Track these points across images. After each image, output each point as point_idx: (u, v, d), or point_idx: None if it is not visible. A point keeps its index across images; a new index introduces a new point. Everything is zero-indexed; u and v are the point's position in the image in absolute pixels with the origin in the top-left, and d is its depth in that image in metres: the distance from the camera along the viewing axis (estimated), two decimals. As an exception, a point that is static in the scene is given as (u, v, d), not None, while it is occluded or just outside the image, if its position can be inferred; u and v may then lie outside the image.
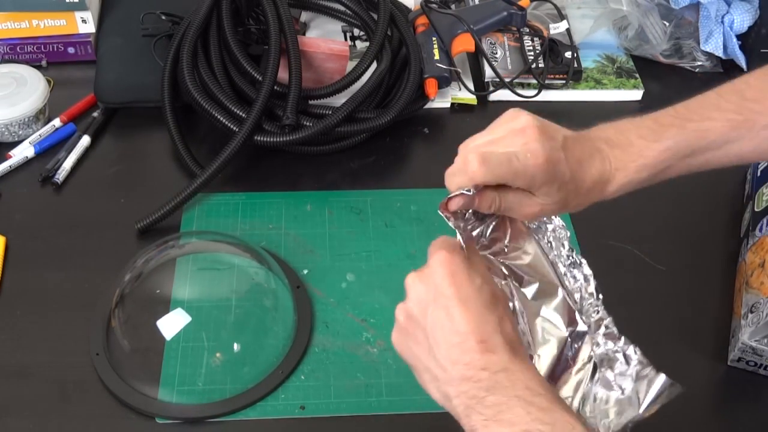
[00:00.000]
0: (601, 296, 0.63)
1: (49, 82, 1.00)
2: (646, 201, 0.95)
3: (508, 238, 0.64)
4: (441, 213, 0.58)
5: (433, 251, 0.56)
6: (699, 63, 1.13)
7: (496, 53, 1.08)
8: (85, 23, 1.05)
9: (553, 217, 0.65)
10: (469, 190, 0.57)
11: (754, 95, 0.65)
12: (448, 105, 1.06)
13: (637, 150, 0.62)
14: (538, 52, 1.08)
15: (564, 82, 1.07)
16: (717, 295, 0.85)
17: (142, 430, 0.72)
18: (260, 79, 0.90)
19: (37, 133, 0.96)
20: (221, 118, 0.91)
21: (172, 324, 0.76)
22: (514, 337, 0.54)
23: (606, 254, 0.88)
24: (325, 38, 1.06)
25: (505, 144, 0.59)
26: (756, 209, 0.88)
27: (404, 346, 0.57)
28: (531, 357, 0.62)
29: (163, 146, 0.97)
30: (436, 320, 0.54)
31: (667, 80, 1.12)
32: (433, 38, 1.05)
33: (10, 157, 0.94)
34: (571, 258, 0.64)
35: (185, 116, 0.97)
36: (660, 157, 0.63)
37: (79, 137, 0.97)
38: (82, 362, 0.76)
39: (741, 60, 1.11)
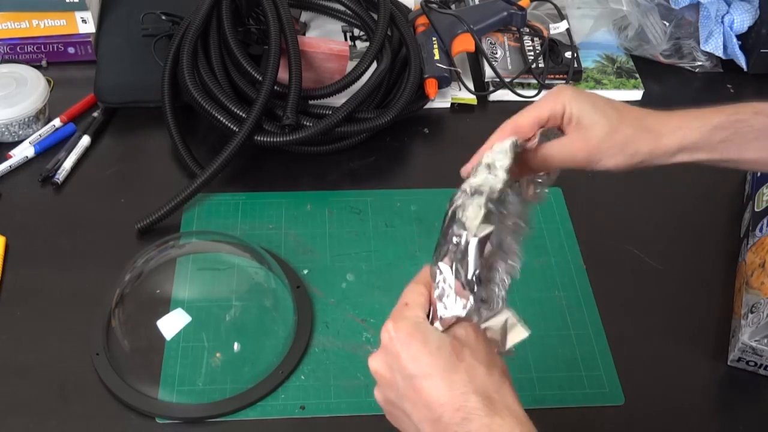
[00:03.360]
0: None
1: (49, 82, 1.00)
2: (646, 201, 0.95)
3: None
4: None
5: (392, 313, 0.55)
6: (699, 63, 1.13)
7: (496, 53, 1.08)
8: (85, 23, 1.05)
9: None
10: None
11: None
12: (448, 105, 1.06)
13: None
14: (538, 52, 1.08)
15: (564, 82, 1.07)
16: (717, 295, 0.85)
17: (142, 430, 0.72)
18: (260, 79, 0.90)
19: (37, 133, 0.96)
20: (221, 118, 0.91)
21: (172, 324, 0.76)
22: (488, 384, 0.52)
23: (606, 254, 0.88)
24: (325, 38, 1.06)
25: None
26: (756, 209, 0.88)
27: (397, 424, 0.56)
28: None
29: (163, 146, 0.97)
30: (408, 402, 0.52)
31: (667, 80, 1.12)
32: (433, 38, 1.05)
33: (10, 157, 0.94)
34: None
35: (185, 116, 0.97)
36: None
37: (79, 137, 0.97)
38: (82, 362, 0.76)
39: (741, 60, 1.11)
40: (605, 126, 0.62)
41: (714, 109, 0.64)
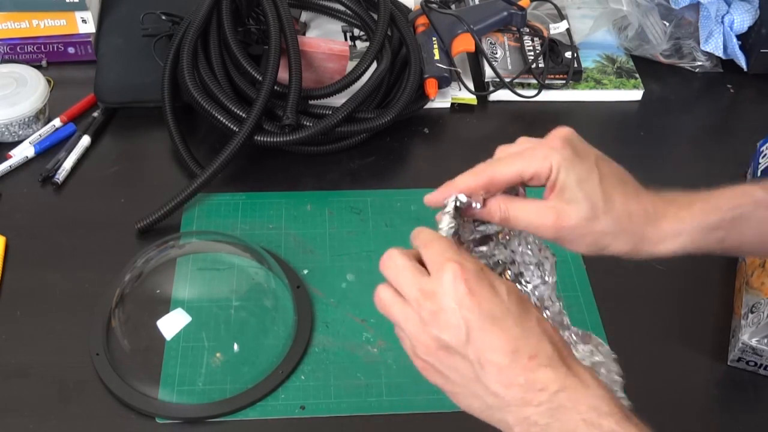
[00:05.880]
0: None
1: (49, 82, 1.00)
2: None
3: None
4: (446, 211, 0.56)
5: (436, 260, 0.51)
6: (699, 63, 1.13)
7: (496, 53, 1.08)
8: (85, 23, 1.05)
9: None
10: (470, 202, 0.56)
11: None
12: (448, 105, 1.06)
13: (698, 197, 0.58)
14: (538, 52, 1.08)
15: (564, 82, 1.07)
16: (717, 295, 0.85)
17: (142, 430, 0.72)
18: (260, 79, 0.90)
19: (37, 133, 0.96)
20: (221, 118, 0.91)
21: (172, 324, 0.76)
22: (558, 338, 0.50)
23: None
24: (325, 38, 1.06)
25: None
26: (756, 209, 0.87)
27: (437, 375, 0.52)
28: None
29: (163, 146, 0.97)
30: (477, 344, 0.49)
31: (667, 80, 1.12)
32: (433, 38, 1.05)
33: (10, 157, 0.94)
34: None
35: (185, 116, 0.97)
36: (735, 201, 0.58)
37: (79, 137, 0.97)
38: (82, 362, 0.76)
39: (741, 60, 1.11)
40: (586, 211, 0.55)
41: (712, 201, 0.58)
